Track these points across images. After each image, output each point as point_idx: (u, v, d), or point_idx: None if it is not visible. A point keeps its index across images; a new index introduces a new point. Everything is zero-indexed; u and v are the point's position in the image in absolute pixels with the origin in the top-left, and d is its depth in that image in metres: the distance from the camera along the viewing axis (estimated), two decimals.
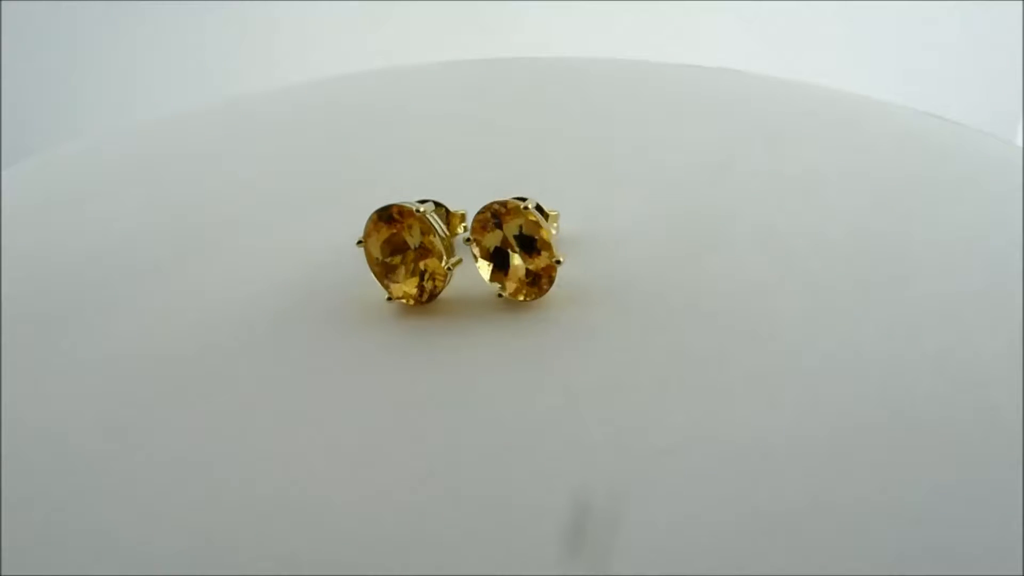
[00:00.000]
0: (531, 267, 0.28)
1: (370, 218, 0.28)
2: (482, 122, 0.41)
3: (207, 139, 0.42)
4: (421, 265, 0.28)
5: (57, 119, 0.89)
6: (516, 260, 0.28)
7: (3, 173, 0.39)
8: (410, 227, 0.28)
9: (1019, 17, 0.86)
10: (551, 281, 0.28)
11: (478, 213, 0.28)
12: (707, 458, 0.23)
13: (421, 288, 0.28)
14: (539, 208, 0.32)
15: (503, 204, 0.28)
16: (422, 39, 0.89)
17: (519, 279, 0.28)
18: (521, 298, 0.28)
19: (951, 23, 0.89)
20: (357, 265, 0.29)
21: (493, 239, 0.28)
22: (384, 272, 0.28)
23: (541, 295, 0.28)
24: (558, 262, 0.28)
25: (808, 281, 0.30)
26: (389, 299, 0.28)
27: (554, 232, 0.32)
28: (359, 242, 0.28)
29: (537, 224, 0.28)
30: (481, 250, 0.28)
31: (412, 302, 0.28)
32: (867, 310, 0.28)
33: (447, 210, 0.32)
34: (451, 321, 0.28)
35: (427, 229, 0.28)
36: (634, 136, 0.40)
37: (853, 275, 0.30)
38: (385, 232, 0.28)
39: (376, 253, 0.28)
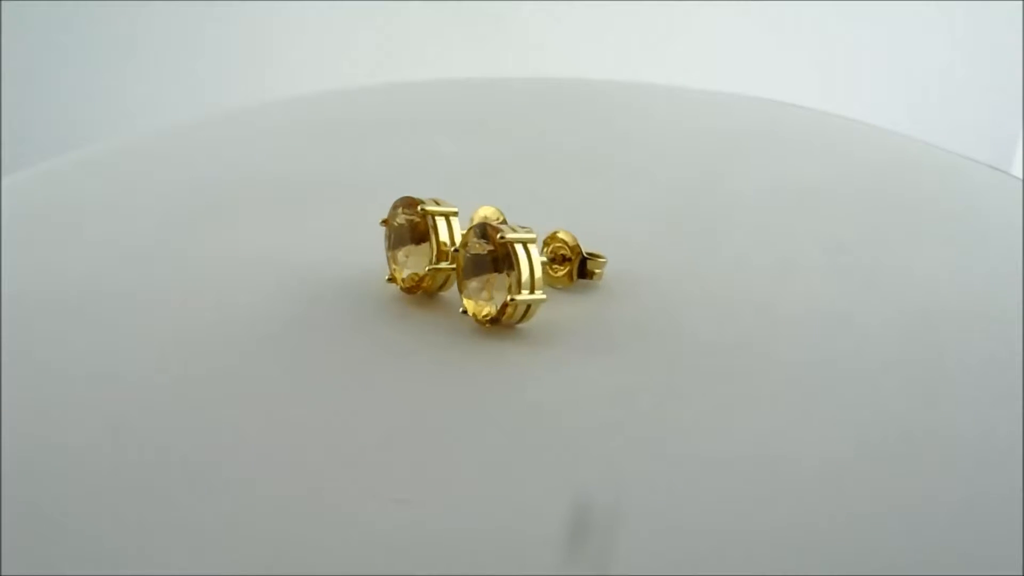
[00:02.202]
0: (496, 295, 0.28)
1: (395, 203, 0.30)
2: (487, 138, 0.42)
3: (209, 147, 0.43)
4: (409, 258, 0.30)
5: (54, 122, 0.87)
6: (480, 283, 0.28)
7: (3, 180, 0.39)
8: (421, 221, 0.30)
9: (1019, 26, 0.85)
10: (512, 314, 0.28)
11: (469, 228, 0.29)
12: (706, 461, 0.24)
13: (415, 280, 0.30)
14: (579, 250, 0.31)
15: (490, 226, 0.28)
16: (421, 41, 0.87)
17: (481, 302, 0.28)
18: (476, 318, 0.28)
19: (950, 37, 0.88)
20: (365, 271, 0.31)
21: (470, 257, 0.29)
22: (392, 256, 0.31)
23: (499, 324, 0.28)
24: (512, 299, 0.28)
25: (804, 292, 0.31)
26: (388, 279, 0.30)
27: (596, 276, 0.31)
28: (383, 221, 0.31)
29: (510, 255, 0.28)
30: (458, 264, 0.29)
31: (403, 289, 0.30)
32: (862, 326, 0.30)
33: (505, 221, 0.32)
34: (458, 326, 0.29)
35: (428, 228, 0.30)
36: (632, 155, 0.41)
37: (849, 293, 0.31)
38: (401, 219, 0.30)
39: (388, 235, 0.31)
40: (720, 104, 0.47)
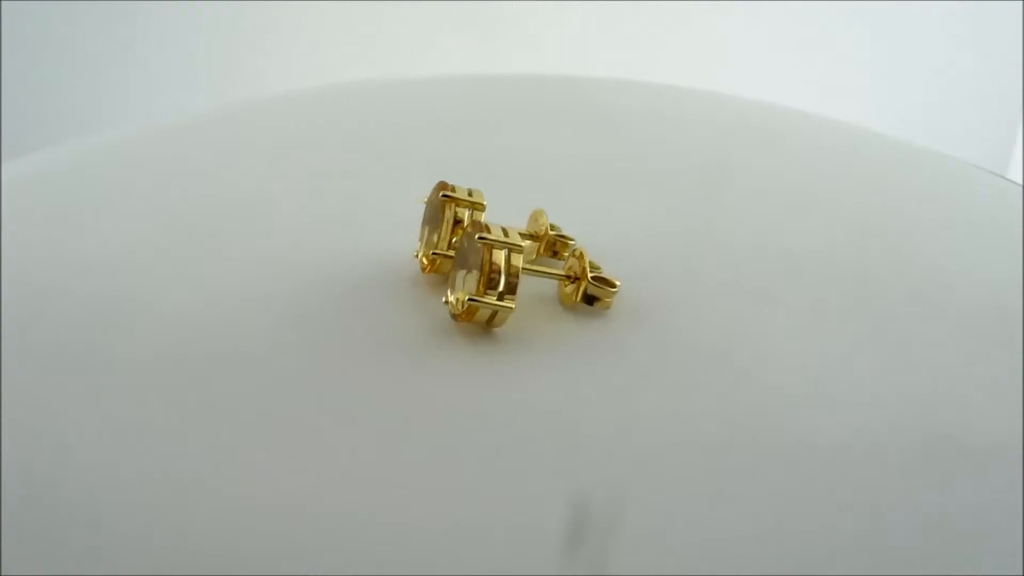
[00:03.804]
0: (466, 293, 0.29)
1: (435, 185, 0.32)
2: (483, 135, 0.40)
3: (206, 146, 0.41)
4: (430, 239, 0.31)
5: (46, 121, 0.85)
6: (462, 277, 0.29)
7: (4, 170, 0.38)
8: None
9: (1019, 26, 0.86)
10: (474, 315, 0.28)
11: (470, 222, 0.29)
12: (704, 461, 0.25)
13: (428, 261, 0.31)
14: (586, 273, 0.30)
15: (479, 224, 0.29)
16: (416, 41, 0.86)
17: (459, 295, 0.29)
18: (453, 314, 0.29)
19: (950, 37, 0.88)
20: (368, 271, 0.32)
21: (462, 249, 0.29)
22: (421, 235, 0.32)
23: (465, 320, 0.29)
24: (472, 299, 0.28)
25: (797, 297, 0.31)
26: (414, 255, 0.32)
27: (599, 304, 0.30)
28: (426, 200, 0.32)
29: (491, 262, 0.28)
30: (455, 254, 0.30)
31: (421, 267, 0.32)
32: (857, 326, 0.30)
33: (557, 237, 0.32)
34: (462, 327, 0.29)
35: (440, 214, 0.30)
36: (629, 154, 0.40)
37: (845, 295, 0.31)
38: (434, 201, 0.31)
39: (424, 214, 0.32)
40: (716, 105, 0.46)
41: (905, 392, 0.27)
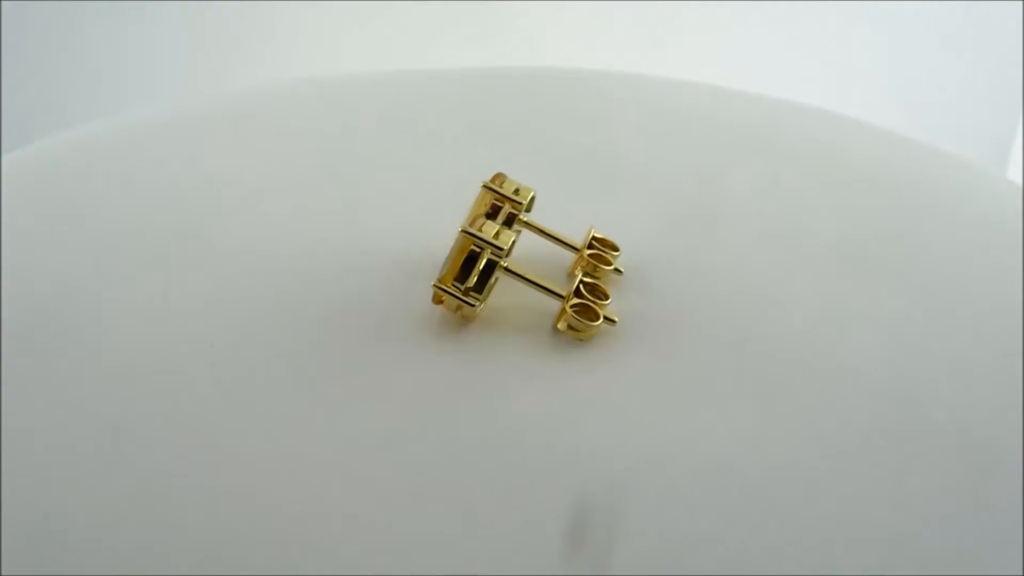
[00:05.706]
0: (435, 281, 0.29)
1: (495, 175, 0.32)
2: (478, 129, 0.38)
3: (206, 138, 0.39)
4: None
5: (42, 117, 0.83)
6: (443, 267, 0.29)
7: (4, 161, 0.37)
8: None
9: (1019, 26, 0.85)
10: (443, 303, 0.29)
11: (467, 221, 0.30)
12: (705, 463, 0.25)
13: None
14: (569, 298, 0.29)
15: (480, 216, 0.29)
16: (413, 40, 0.85)
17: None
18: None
19: (948, 37, 0.87)
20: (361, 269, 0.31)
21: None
22: None
23: (441, 305, 0.29)
24: (436, 285, 0.28)
25: (802, 294, 0.31)
26: None
27: (569, 331, 0.29)
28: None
29: (466, 255, 0.28)
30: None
31: None
32: (865, 328, 0.30)
33: (591, 254, 0.31)
34: (464, 328, 0.30)
35: (478, 204, 0.31)
36: (627, 149, 0.39)
37: (852, 295, 0.31)
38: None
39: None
40: (717, 99, 0.44)
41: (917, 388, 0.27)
